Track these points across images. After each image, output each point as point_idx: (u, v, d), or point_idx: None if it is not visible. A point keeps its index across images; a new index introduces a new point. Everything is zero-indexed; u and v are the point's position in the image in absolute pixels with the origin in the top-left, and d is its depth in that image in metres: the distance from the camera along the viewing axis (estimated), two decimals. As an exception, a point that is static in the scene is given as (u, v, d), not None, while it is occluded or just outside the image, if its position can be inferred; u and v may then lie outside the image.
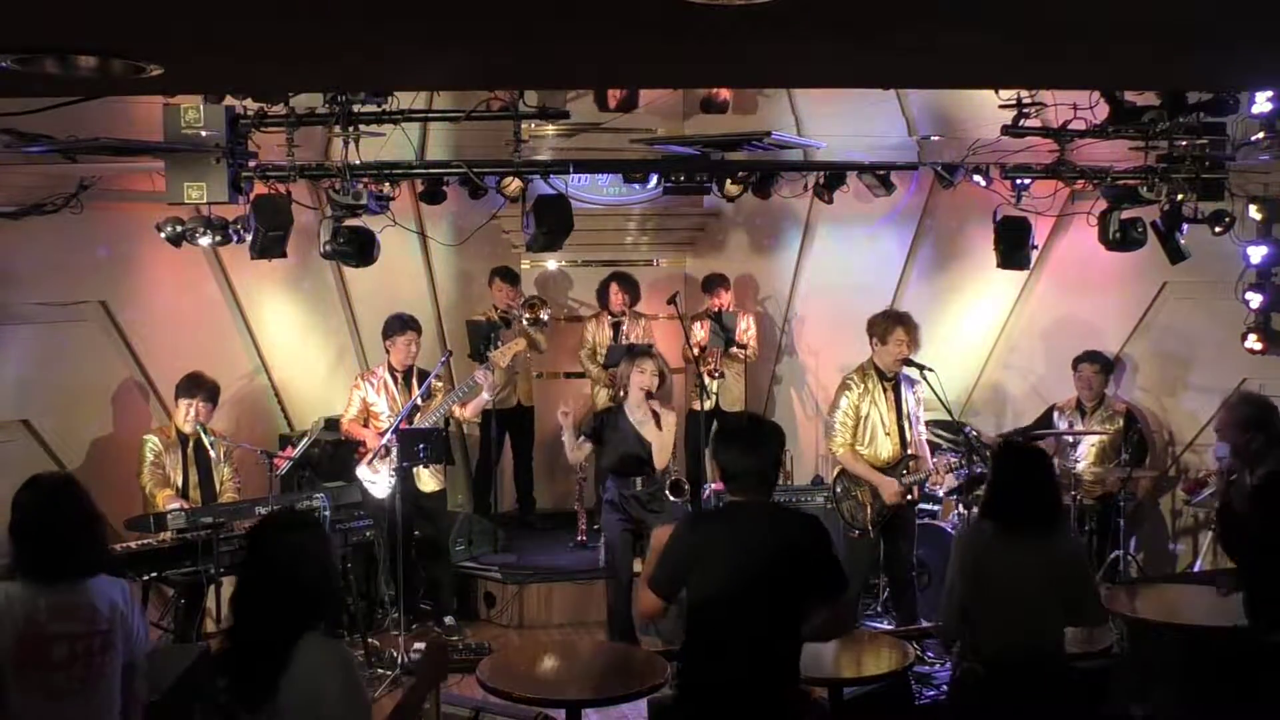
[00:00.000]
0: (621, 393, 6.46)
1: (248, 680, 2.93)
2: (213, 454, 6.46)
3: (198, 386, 6.40)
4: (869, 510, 6.45)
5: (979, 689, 4.15)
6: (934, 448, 6.96)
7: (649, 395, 6.32)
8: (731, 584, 3.62)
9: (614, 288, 8.45)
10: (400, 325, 7.05)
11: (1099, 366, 7.51)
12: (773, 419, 9.15)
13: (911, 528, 6.59)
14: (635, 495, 6.36)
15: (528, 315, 7.95)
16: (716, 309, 8.41)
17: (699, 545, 3.77)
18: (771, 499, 3.89)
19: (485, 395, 7.09)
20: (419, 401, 6.90)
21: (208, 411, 6.44)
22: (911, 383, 6.54)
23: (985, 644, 4.16)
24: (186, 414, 6.35)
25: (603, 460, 6.47)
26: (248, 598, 3.03)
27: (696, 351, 7.98)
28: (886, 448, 6.45)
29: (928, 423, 6.88)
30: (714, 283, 8.50)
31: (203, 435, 6.39)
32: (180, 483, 6.35)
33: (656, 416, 6.32)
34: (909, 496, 6.44)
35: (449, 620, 7.12)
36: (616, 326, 8.48)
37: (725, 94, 8.28)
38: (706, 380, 8.05)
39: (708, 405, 8.24)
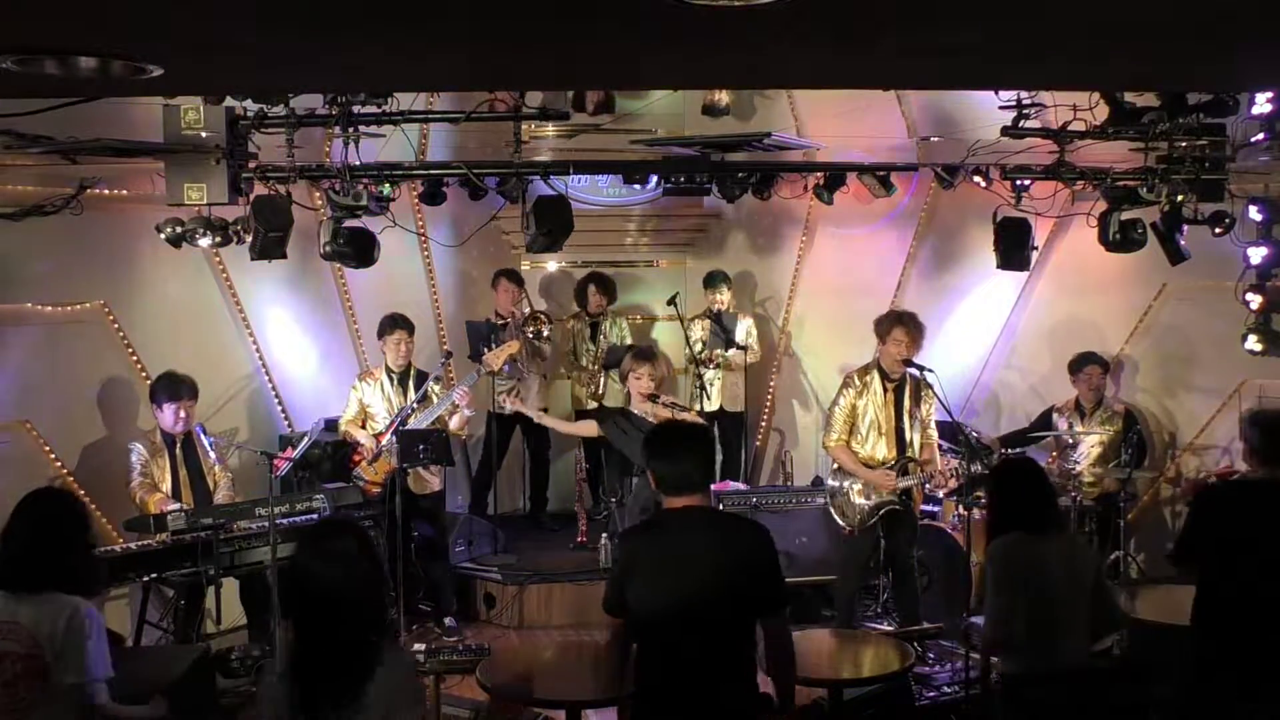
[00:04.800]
0: (624, 393, 6.46)
1: (338, 679, 2.96)
2: (213, 455, 6.44)
3: (181, 385, 6.25)
4: (860, 509, 6.44)
5: (1023, 701, 4.14)
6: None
7: (652, 399, 6.31)
8: (667, 592, 3.56)
9: (592, 289, 8.47)
10: (391, 324, 7.05)
11: (1103, 368, 7.52)
12: (773, 419, 9.20)
13: (911, 529, 6.58)
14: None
15: (531, 329, 7.97)
16: (717, 308, 8.41)
17: (633, 557, 3.72)
18: (707, 502, 3.80)
19: (466, 412, 7.08)
20: (414, 405, 6.89)
21: (193, 409, 6.33)
22: (920, 389, 6.50)
23: (1040, 655, 4.14)
24: (178, 418, 6.23)
25: (635, 462, 6.43)
26: (338, 605, 3.00)
27: (700, 347, 7.98)
28: (881, 448, 6.44)
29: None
30: (716, 279, 8.49)
31: (203, 437, 6.37)
32: (170, 486, 6.24)
33: (676, 407, 6.31)
34: (909, 498, 6.43)
35: (449, 621, 7.12)
36: (594, 326, 8.51)
37: (725, 98, 8.30)
38: (706, 375, 8.06)
39: (709, 406, 8.26)
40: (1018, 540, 4.22)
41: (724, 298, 8.43)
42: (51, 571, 3.49)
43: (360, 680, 2.94)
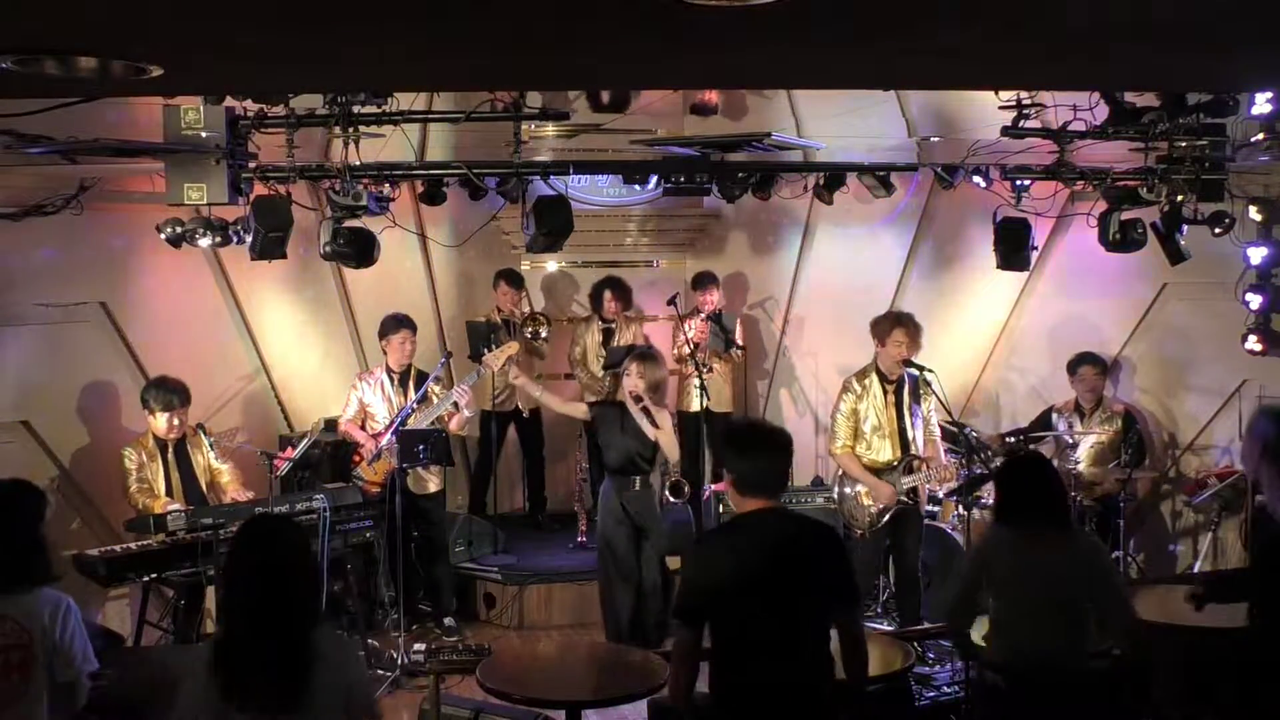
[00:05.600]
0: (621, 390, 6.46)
1: (278, 681, 2.95)
2: (212, 454, 6.43)
3: (173, 395, 6.19)
4: (869, 511, 6.45)
5: (1001, 699, 4.11)
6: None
7: (636, 399, 6.26)
8: (750, 596, 3.56)
9: (608, 295, 8.44)
10: (394, 324, 7.05)
11: (1100, 368, 7.51)
12: (770, 420, 9.19)
13: (918, 528, 6.60)
14: (636, 495, 6.30)
15: (529, 330, 7.97)
16: (712, 309, 8.39)
17: (716, 561, 3.70)
18: (779, 505, 3.77)
19: (466, 413, 7.08)
20: (414, 405, 6.89)
21: (186, 415, 6.29)
22: (919, 386, 6.51)
23: (1008, 649, 4.12)
24: (171, 425, 6.19)
25: (606, 458, 6.43)
26: (251, 603, 3.03)
27: (692, 348, 7.97)
28: (885, 450, 6.46)
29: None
30: (705, 281, 8.47)
31: (204, 437, 6.37)
32: (163, 489, 6.22)
33: (649, 415, 6.26)
34: (911, 498, 6.43)
35: (448, 621, 7.12)
36: (608, 332, 8.49)
37: (714, 98, 8.30)
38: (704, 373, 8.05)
39: (696, 406, 8.23)
40: (1002, 534, 4.20)
41: (714, 298, 8.41)
42: (19, 566, 3.44)
43: (300, 675, 2.94)
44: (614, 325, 8.47)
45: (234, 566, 3.13)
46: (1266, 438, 4.13)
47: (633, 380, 6.22)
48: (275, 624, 2.98)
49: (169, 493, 6.23)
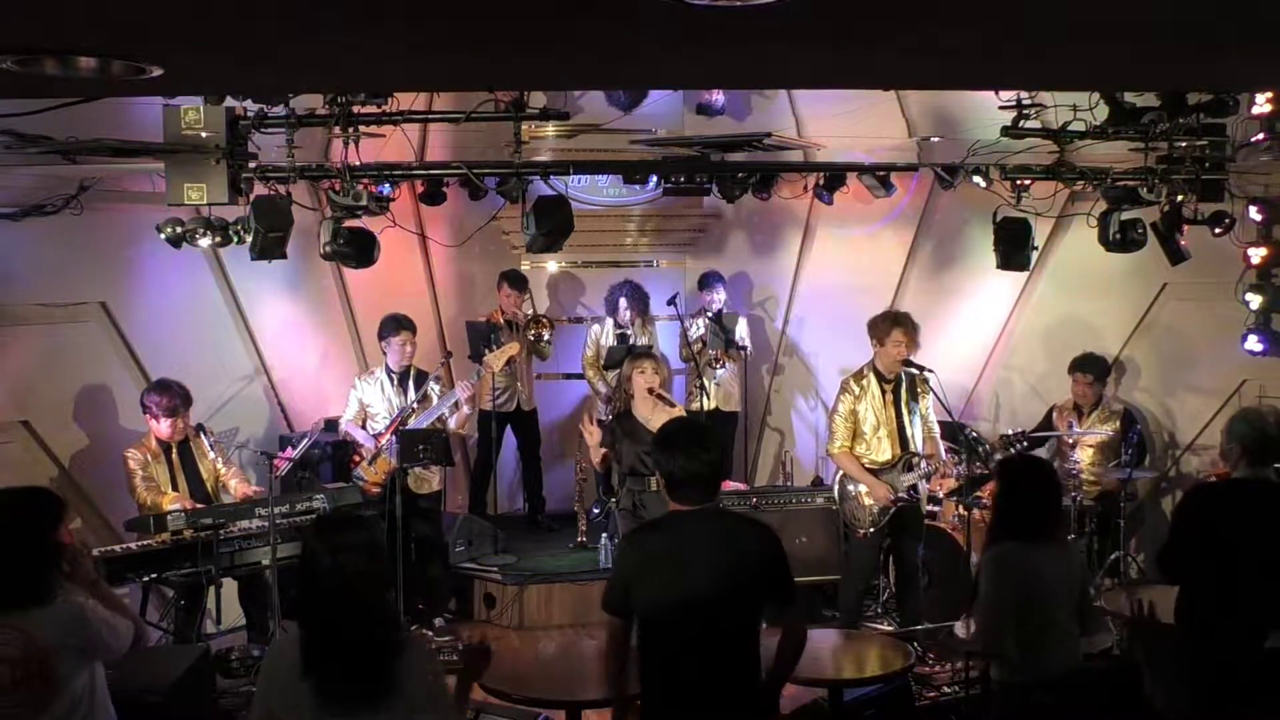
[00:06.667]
0: (626, 395, 6.43)
1: (366, 678, 2.95)
2: (212, 454, 6.43)
3: (176, 399, 6.16)
4: (870, 510, 6.45)
5: (1035, 708, 4.06)
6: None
7: (652, 392, 6.25)
8: (674, 592, 3.53)
9: (623, 304, 8.40)
10: (395, 325, 7.05)
11: (1092, 378, 7.45)
12: (772, 420, 9.21)
13: (918, 528, 6.60)
14: (654, 496, 6.29)
15: (532, 333, 7.98)
16: (716, 308, 8.40)
17: (645, 558, 3.66)
18: (716, 504, 3.73)
19: (465, 410, 7.08)
20: (414, 405, 6.89)
21: (188, 416, 6.28)
22: (916, 384, 6.51)
23: (1037, 662, 4.06)
24: (175, 428, 6.17)
25: (622, 466, 6.41)
26: (358, 598, 2.99)
27: (701, 346, 7.98)
28: (885, 449, 6.46)
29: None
30: (711, 280, 8.48)
31: (204, 437, 6.37)
32: (169, 491, 6.20)
33: (669, 403, 6.25)
34: (912, 495, 6.43)
35: (439, 621, 7.12)
36: (623, 336, 8.47)
37: (719, 97, 8.31)
38: (705, 376, 8.05)
39: (707, 405, 8.25)
40: (1016, 549, 4.11)
41: (720, 298, 8.42)
42: (30, 580, 3.37)
43: (388, 673, 2.95)
44: (628, 331, 8.44)
45: (305, 568, 3.08)
46: (1245, 440, 4.40)
47: (648, 376, 6.20)
48: (352, 628, 2.95)
49: (175, 492, 6.21)
